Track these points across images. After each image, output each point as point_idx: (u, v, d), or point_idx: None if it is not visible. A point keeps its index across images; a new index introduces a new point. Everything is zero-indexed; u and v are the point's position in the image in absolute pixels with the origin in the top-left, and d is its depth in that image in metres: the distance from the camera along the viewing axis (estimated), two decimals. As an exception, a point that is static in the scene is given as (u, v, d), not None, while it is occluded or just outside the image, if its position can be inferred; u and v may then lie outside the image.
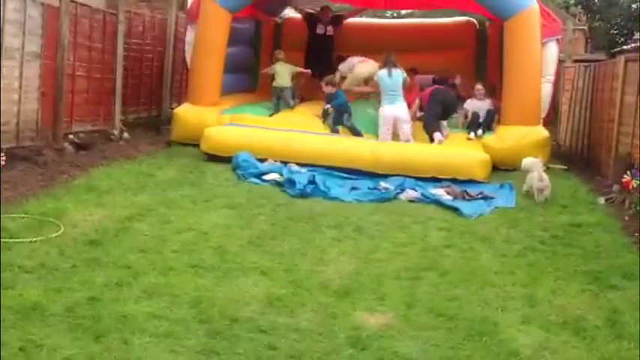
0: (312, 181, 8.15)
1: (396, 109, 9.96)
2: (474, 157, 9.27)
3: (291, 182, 8.17)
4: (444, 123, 10.46)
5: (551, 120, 11.77)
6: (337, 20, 13.35)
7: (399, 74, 10.13)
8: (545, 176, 8.04)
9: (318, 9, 13.77)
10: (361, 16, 14.88)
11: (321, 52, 12.80)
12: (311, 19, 13.35)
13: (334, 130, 10.42)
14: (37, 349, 3.75)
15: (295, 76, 11.85)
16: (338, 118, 10.49)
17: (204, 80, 11.06)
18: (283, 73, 11.53)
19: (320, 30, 13.15)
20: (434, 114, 10.31)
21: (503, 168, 9.58)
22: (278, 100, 11.52)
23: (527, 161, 8.37)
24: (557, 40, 10.99)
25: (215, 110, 10.95)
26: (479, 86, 10.61)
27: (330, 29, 13.11)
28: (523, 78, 10.06)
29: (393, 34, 13.45)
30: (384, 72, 10.14)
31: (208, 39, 10.92)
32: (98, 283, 4.75)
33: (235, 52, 11.96)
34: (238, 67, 12.48)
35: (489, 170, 9.21)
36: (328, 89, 10.62)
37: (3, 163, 7.66)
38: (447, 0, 12.75)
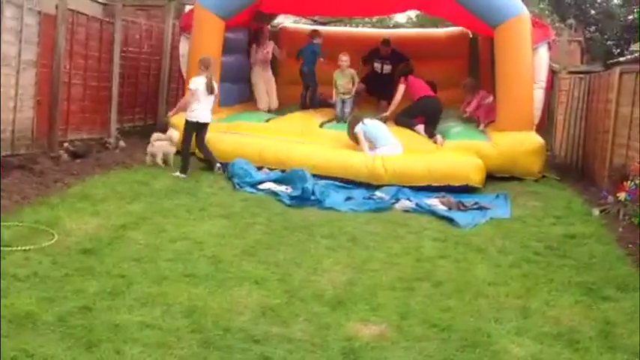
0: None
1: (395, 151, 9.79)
2: (468, 162, 9.30)
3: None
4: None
5: (544, 126, 11.78)
6: (397, 58, 12.56)
7: (379, 122, 10.22)
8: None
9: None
10: (357, 26, 14.70)
11: (378, 89, 12.45)
12: (369, 55, 12.76)
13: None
14: (29, 359, 3.73)
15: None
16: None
17: None
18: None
19: (377, 67, 12.72)
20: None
21: (498, 176, 9.60)
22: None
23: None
24: (549, 43, 11.01)
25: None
26: None
27: (387, 67, 12.45)
28: (515, 84, 10.13)
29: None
30: (362, 127, 9.87)
31: (203, 47, 10.91)
32: (91, 292, 4.74)
33: (231, 61, 11.96)
34: (234, 77, 12.46)
35: (484, 175, 9.22)
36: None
37: None
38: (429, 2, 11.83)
